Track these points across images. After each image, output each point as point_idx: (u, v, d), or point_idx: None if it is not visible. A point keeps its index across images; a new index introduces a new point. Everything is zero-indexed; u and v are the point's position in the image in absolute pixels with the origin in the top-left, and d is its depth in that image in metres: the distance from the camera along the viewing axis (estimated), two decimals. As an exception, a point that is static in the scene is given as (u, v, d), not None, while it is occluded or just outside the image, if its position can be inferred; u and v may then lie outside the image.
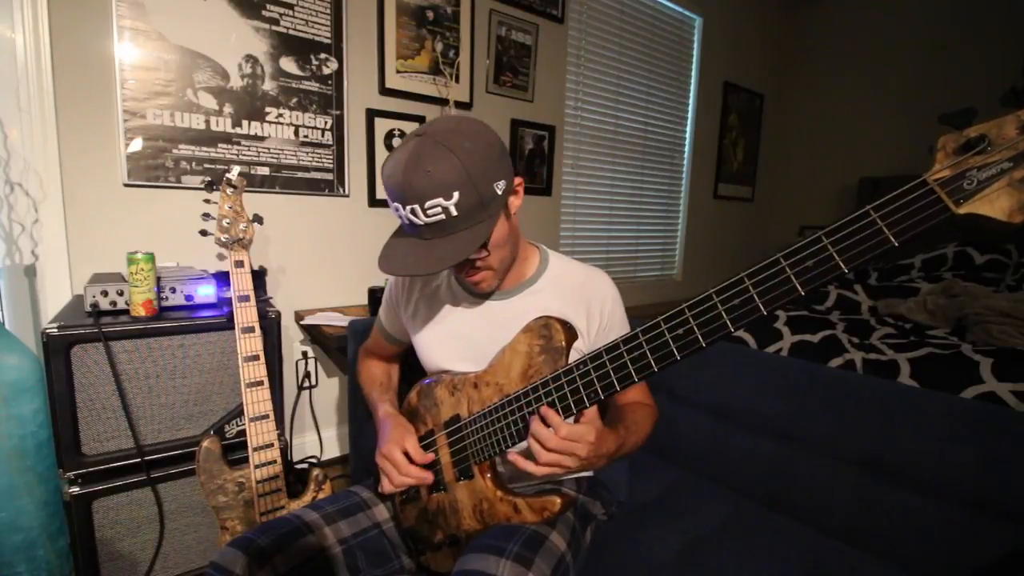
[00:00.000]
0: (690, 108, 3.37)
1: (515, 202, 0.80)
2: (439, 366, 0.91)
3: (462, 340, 0.89)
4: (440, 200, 0.68)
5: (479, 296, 0.89)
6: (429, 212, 0.69)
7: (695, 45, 3.30)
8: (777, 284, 0.53)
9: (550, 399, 0.70)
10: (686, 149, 3.41)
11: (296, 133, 1.83)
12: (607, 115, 2.90)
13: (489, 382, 0.79)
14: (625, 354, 0.63)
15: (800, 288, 0.52)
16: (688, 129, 3.39)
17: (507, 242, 0.80)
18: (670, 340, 0.59)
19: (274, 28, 1.73)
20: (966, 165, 0.44)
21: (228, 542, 0.77)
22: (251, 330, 1.20)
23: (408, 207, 0.70)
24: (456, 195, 0.68)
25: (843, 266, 0.50)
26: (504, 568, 0.68)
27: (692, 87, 3.35)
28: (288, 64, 1.78)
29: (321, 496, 1.25)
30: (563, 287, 0.88)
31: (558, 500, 0.74)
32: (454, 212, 0.69)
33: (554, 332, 0.73)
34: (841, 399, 1.06)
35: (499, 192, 0.73)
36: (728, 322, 0.56)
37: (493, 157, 0.72)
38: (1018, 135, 0.43)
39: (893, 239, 0.48)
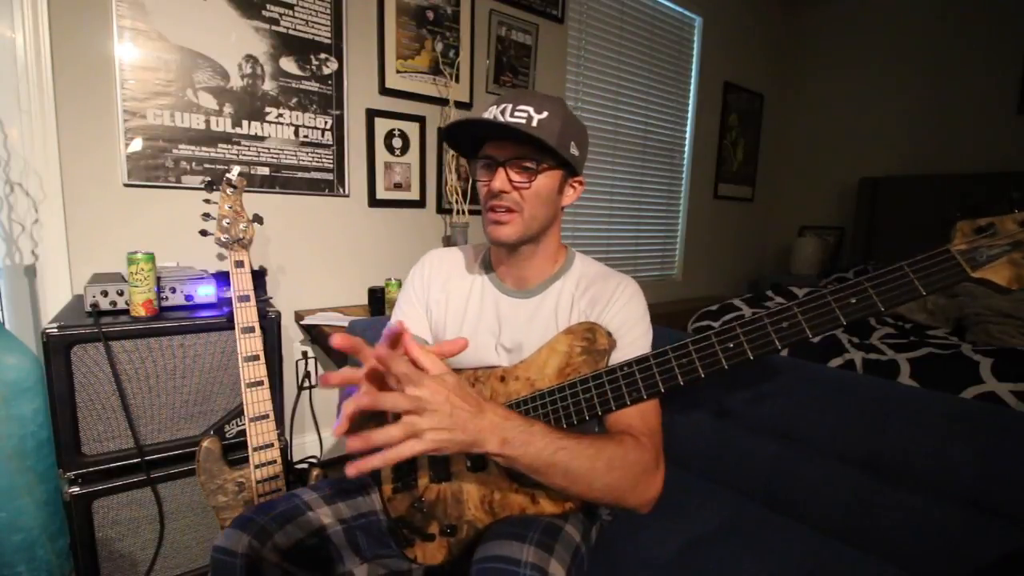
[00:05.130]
0: (690, 108, 3.37)
1: (569, 192, 0.86)
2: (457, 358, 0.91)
3: (483, 334, 0.90)
4: (531, 109, 0.76)
5: (505, 293, 0.90)
6: (516, 113, 0.76)
7: (695, 45, 3.30)
8: (823, 314, 0.64)
9: (588, 395, 0.72)
10: (686, 149, 3.41)
11: (296, 133, 1.83)
12: (607, 115, 2.90)
13: (519, 376, 0.80)
14: (673, 360, 0.69)
15: (843, 319, 0.63)
16: (688, 129, 3.39)
17: (545, 204, 0.82)
18: (719, 351, 0.67)
19: (274, 28, 1.73)
20: (978, 244, 0.60)
21: (228, 524, 0.77)
22: (251, 330, 1.20)
23: (501, 106, 0.78)
24: (545, 114, 0.76)
25: (881, 306, 0.62)
26: (528, 553, 0.67)
27: (692, 87, 3.35)
28: (288, 64, 1.78)
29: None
30: (578, 288, 0.88)
31: None
32: (534, 123, 0.76)
33: (598, 336, 0.76)
34: (841, 399, 1.06)
35: (572, 152, 0.81)
36: (776, 340, 0.65)
37: (583, 133, 0.84)
38: (1015, 229, 0.59)
39: (922, 290, 0.61)
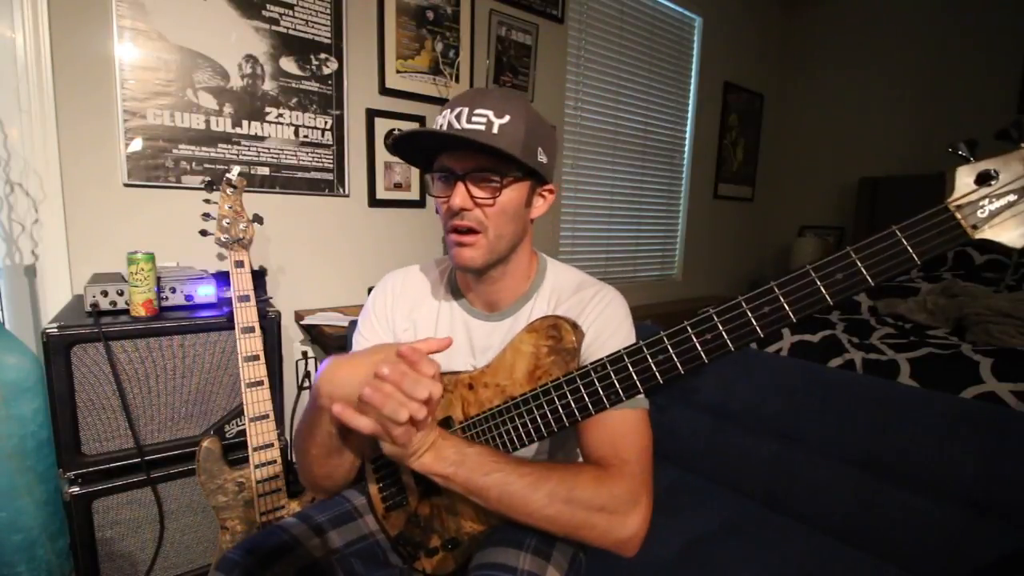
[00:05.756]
0: (690, 108, 3.37)
1: (539, 203, 0.79)
2: None
3: (457, 362, 0.84)
4: (490, 113, 0.68)
5: (475, 317, 0.85)
6: (474, 119, 0.68)
7: (695, 45, 3.30)
8: (807, 295, 0.56)
9: (564, 400, 0.67)
10: (686, 149, 3.41)
11: (296, 133, 1.83)
12: (607, 115, 2.90)
13: (488, 383, 0.76)
14: (649, 357, 0.63)
15: (829, 299, 0.54)
16: (688, 129, 3.39)
17: (513, 220, 0.74)
18: (697, 344, 0.60)
19: (274, 28, 1.73)
20: (980, 195, 0.49)
21: (214, 565, 0.72)
22: (251, 330, 1.20)
23: (456, 111, 0.69)
24: (507, 118, 0.68)
25: (870, 280, 0.53)
26: (525, 560, 0.66)
27: (692, 87, 3.35)
28: (288, 64, 1.78)
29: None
30: (550, 304, 0.83)
31: None
32: (495, 130, 0.68)
33: (564, 333, 0.70)
34: (841, 399, 1.06)
35: (540, 159, 0.73)
36: (757, 328, 0.57)
37: (550, 138, 0.75)
38: (1022, 170, 0.47)
39: (916, 257, 0.51)
